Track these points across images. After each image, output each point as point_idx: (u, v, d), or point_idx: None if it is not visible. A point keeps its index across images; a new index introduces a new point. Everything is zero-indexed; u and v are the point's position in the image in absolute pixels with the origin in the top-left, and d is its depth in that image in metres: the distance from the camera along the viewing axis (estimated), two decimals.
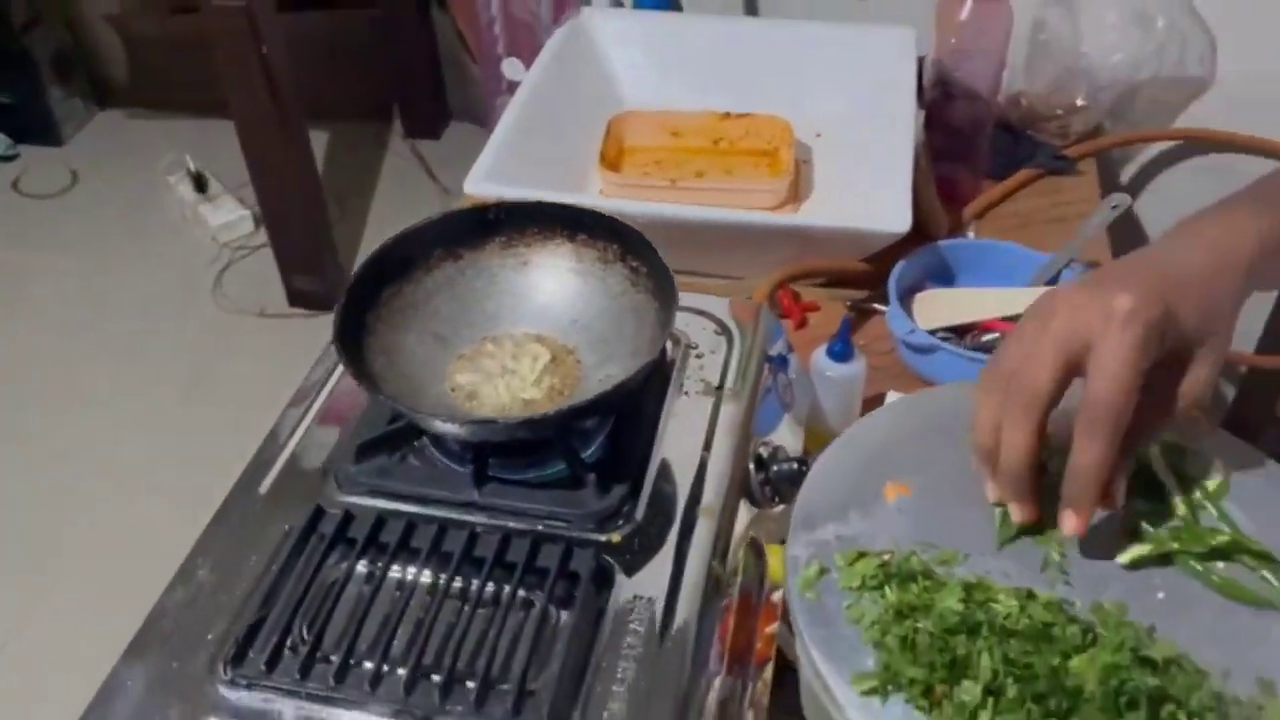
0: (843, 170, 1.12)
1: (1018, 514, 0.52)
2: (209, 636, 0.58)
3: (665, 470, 0.66)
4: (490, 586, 0.59)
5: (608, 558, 0.61)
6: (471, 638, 0.57)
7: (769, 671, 0.66)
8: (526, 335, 0.72)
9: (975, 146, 1.15)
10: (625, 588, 0.60)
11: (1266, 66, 1.25)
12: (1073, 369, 0.50)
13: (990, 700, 0.44)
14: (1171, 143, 1.33)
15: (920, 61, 1.15)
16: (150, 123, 2.95)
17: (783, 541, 0.60)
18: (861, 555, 0.52)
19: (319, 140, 2.66)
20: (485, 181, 0.99)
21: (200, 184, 2.57)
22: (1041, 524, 0.52)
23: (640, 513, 0.64)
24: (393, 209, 2.74)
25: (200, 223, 2.53)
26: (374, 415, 0.69)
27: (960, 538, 0.53)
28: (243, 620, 0.58)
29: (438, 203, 2.75)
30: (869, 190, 1.00)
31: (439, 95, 2.95)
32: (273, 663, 0.56)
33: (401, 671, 0.55)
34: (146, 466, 2.02)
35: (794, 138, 1.13)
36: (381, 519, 0.62)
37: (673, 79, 1.23)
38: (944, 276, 1.00)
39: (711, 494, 0.65)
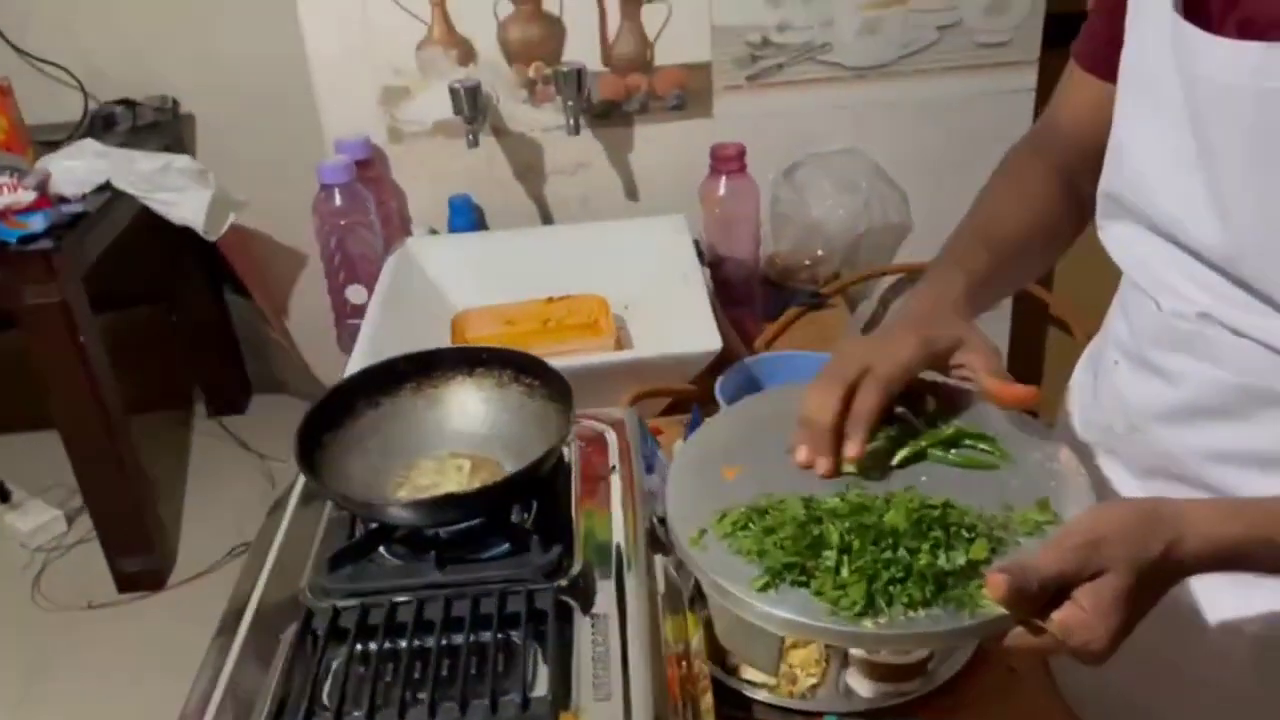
0: (654, 325, 1.35)
1: (822, 467, 0.70)
2: None
3: (588, 529, 0.81)
4: (474, 637, 0.71)
5: (564, 598, 0.75)
6: (473, 673, 0.69)
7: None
8: (449, 454, 0.87)
9: (751, 293, 1.43)
10: (584, 614, 0.74)
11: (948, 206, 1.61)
12: (866, 370, 0.70)
13: (844, 557, 0.62)
14: (894, 276, 1.67)
15: (696, 243, 1.42)
16: None
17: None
18: (724, 514, 0.69)
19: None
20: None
21: (3, 495, 2.51)
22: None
23: (577, 562, 0.78)
24: (211, 483, 2.76)
25: (9, 533, 2.45)
26: (332, 537, 0.81)
27: (785, 487, 0.71)
28: (268, 707, 0.67)
29: (257, 470, 2.78)
30: (680, 330, 1.23)
31: (240, 372, 3.05)
32: None
33: (422, 706, 0.66)
34: None
35: (610, 308, 1.36)
36: (366, 608, 0.73)
37: (494, 282, 1.44)
38: (755, 386, 1.23)
39: (625, 540, 0.80)
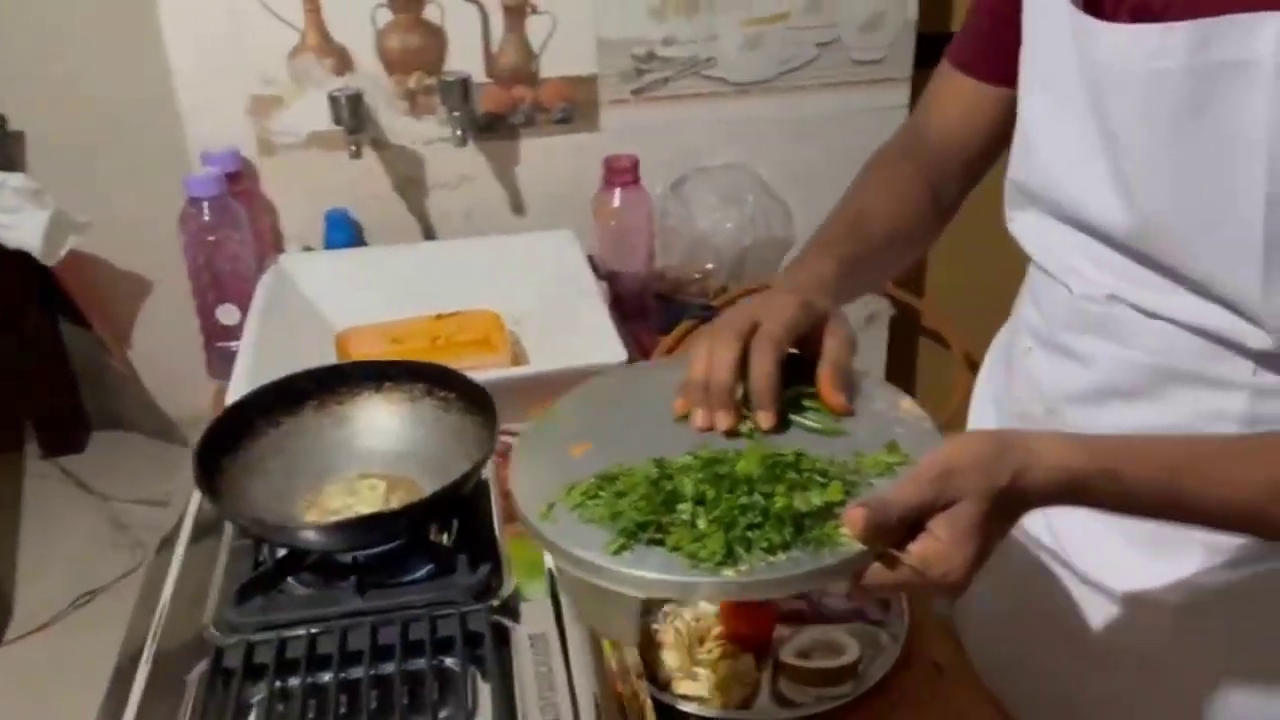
0: (550, 340, 1.31)
1: (723, 423, 0.66)
2: None
3: (515, 547, 0.77)
4: (406, 665, 0.66)
5: (498, 618, 0.71)
6: (408, 703, 0.64)
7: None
8: (359, 474, 0.82)
9: (645, 306, 1.41)
10: (521, 634, 0.70)
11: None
12: (754, 325, 0.68)
13: (699, 509, 0.59)
14: None
15: (591, 258, 1.40)
16: None
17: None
18: (573, 486, 0.64)
19: None
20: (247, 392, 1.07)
21: None
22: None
23: (508, 582, 0.74)
24: (47, 529, 2.54)
25: None
26: (235, 569, 0.75)
27: (635, 457, 0.66)
28: None
29: (97, 512, 2.59)
30: (581, 345, 1.20)
31: (77, 409, 2.83)
32: None
33: None
34: None
35: (504, 324, 1.32)
36: (283, 641, 0.68)
37: (375, 299, 1.37)
38: None
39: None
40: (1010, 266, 0.91)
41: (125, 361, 2.76)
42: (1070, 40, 0.70)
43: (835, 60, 1.55)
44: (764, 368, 0.66)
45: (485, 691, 0.66)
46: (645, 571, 0.58)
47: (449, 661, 0.68)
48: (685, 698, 0.83)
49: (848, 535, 0.57)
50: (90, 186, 2.25)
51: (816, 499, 0.60)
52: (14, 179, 2.08)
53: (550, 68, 1.47)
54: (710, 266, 1.56)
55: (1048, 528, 0.84)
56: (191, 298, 1.55)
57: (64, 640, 2.29)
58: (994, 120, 0.84)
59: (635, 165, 1.37)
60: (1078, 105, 0.70)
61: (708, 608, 0.91)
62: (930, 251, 1.92)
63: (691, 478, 0.62)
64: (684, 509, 0.60)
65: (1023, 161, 0.79)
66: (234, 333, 1.33)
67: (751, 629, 0.88)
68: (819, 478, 0.62)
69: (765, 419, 0.66)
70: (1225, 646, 0.78)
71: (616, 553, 0.59)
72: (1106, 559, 0.80)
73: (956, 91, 0.85)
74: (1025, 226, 0.81)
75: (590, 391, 0.77)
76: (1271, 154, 0.60)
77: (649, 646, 0.87)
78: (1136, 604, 0.80)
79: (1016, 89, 0.79)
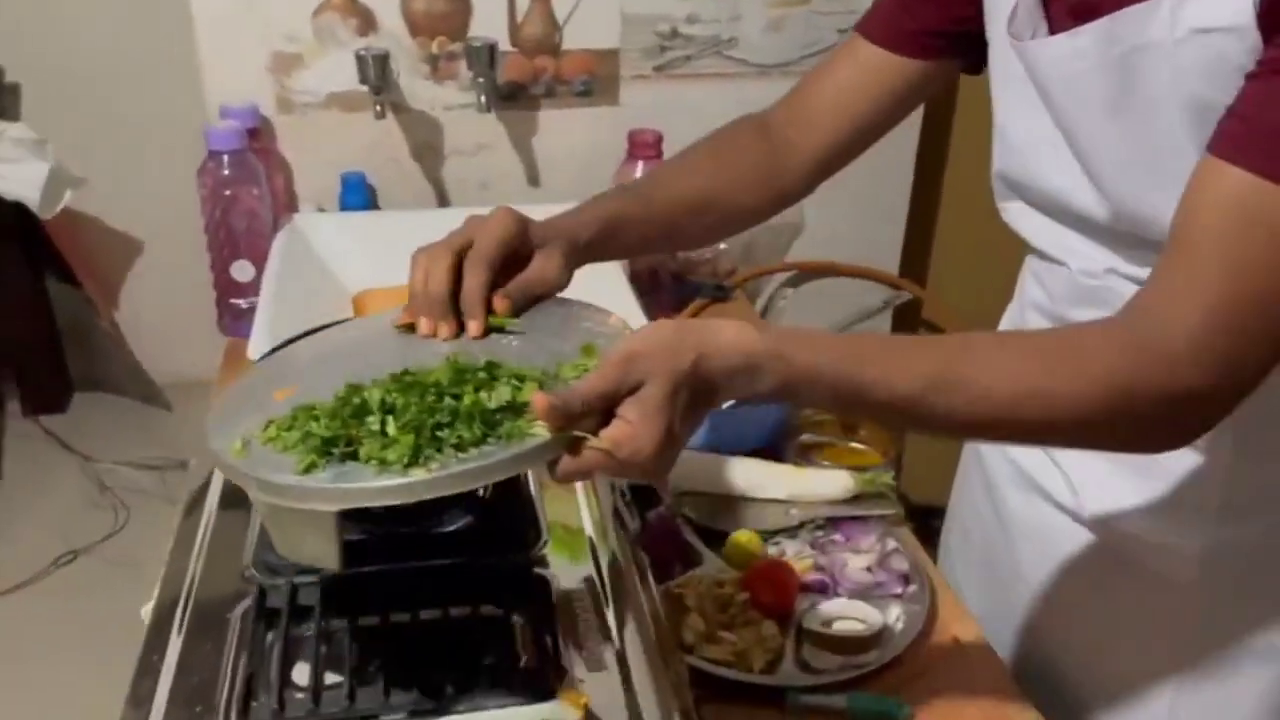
0: None
1: (444, 332, 0.68)
2: (196, 709, 0.60)
3: (550, 498, 0.78)
4: (451, 612, 0.67)
5: (539, 569, 0.71)
6: (459, 647, 0.64)
7: None
8: None
9: (660, 282, 1.42)
10: (560, 585, 0.70)
11: (837, 205, 1.66)
12: (469, 242, 0.71)
13: (389, 418, 0.58)
14: (786, 273, 1.70)
15: None
16: None
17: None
18: (270, 422, 0.62)
19: None
20: (266, 348, 1.06)
21: None
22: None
23: (546, 532, 0.74)
24: (28, 488, 2.50)
25: None
26: None
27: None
28: (233, 684, 0.60)
29: (79, 472, 2.55)
30: None
31: (60, 368, 2.79)
32: (281, 704, 0.59)
33: (407, 684, 0.61)
34: None
35: None
36: (329, 583, 0.68)
37: (389, 263, 1.36)
38: None
39: (590, 508, 0.77)
40: (1009, 257, 0.93)
41: (113, 323, 2.73)
42: (1016, 58, 0.74)
43: None
44: (474, 282, 0.69)
45: (528, 640, 0.66)
46: (332, 483, 0.56)
47: (491, 610, 0.68)
48: (711, 661, 0.83)
49: (541, 428, 0.57)
50: (85, 142, 2.23)
51: (506, 394, 0.59)
52: (14, 129, 2.05)
53: (573, 39, 1.47)
54: (723, 247, 1.57)
55: (1067, 485, 0.85)
56: (183, 261, 1.54)
57: (43, 600, 2.26)
58: (890, 89, 0.85)
59: (659, 140, 1.38)
60: (1037, 107, 0.74)
61: (730, 575, 0.92)
62: (933, 242, 1.95)
63: (380, 388, 0.61)
64: (373, 420, 0.59)
65: (1002, 155, 0.82)
66: (247, 289, 1.32)
67: (774, 597, 0.89)
68: (515, 381, 0.61)
69: (473, 328, 0.69)
70: (1248, 608, 0.80)
71: (305, 471, 0.57)
72: (1129, 514, 0.81)
73: (855, 58, 0.87)
74: (1016, 214, 0.83)
75: (299, 346, 0.77)
76: (1189, 115, 0.63)
77: (673, 610, 0.88)
78: (1159, 556, 0.81)
79: (920, 62, 0.83)
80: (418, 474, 0.56)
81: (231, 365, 1.27)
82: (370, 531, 0.72)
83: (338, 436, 0.58)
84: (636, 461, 0.57)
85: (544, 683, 0.62)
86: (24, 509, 2.54)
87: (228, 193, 1.30)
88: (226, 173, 1.29)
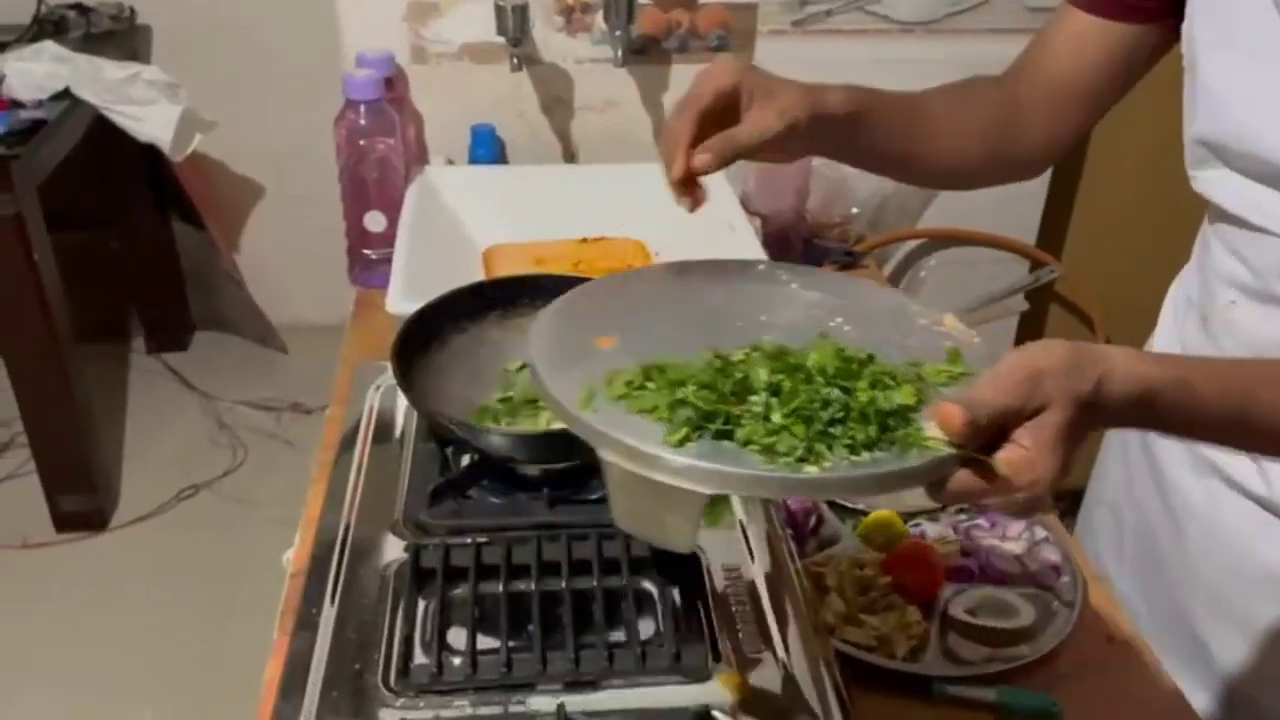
0: None
1: (677, 170, 0.67)
2: (355, 667, 0.59)
3: None
4: (607, 581, 0.65)
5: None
6: (610, 619, 0.63)
7: None
8: None
9: (792, 246, 1.38)
10: (711, 561, 0.68)
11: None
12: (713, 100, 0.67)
13: (774, 400, 0.54)
14: (917, 240, 1.64)
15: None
16: None
17: None
18: (613, 377, 0.57)
19: None
20: (403, 301, 1.06)
21: None
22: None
23: None
24: (152, 423, 2.61)
25: None
26: (421, 473, 0.74)
27: (665, 351, 0.59)
28: (390, 644, 0.60)
29: (200, 410, 2.64)
30: None
31: (183, 308, 2.89)
32: (440, 668, 0.58)
33: (564, 652, 0.59)
34: None
35: (649, 252, 1.29)
36: (479, 546, 0.67)
37: (518, 219, 1.35)
38: None
39: None
40: (1160, 229, 0.86)
41: (233, 265, 2.80)
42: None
43: (1009, 5, 1.48)
44: (673, 122, 0.68)
45: (681, 616, 0.64)
46: (717, 464, 0.52)
47: (644, 581, 0.66)
48: (852, 644, 0.81)
49: (932, 438, 0.53)
50: (214, 86, 2.27)
51: (899, 397, 0.55)
52: (148, 71, 2.10)
53: None
54: (855, 211, 1.52)
55: (1260, 474, 0.80)
56: (305, 208, 1.55)
57: (165, 532, 2.36)
58: (1108, 55, 0.80)
59: None
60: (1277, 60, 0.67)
61: (870, 556, 0.89)
62: (1072, 222, 1.86)
63: (765, 367, 0.57)
64: (757, 400, 0.54)
65: (1211, 120, 0.75)
66: (378, 240, 1.32)
67: (919, 582, 0.86)
68: (889, 379, 0.57)
69: (675, 169, 0.67)
70: None
71: (680, 443, 0.53)
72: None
73: (1069, 28, 0.81)
74: (1218, 183, 0.77)
75: (605, 288, 0.71)
76: None
77: (813, 589, 0.85)
78: None
79: (1134, 26, 0.78)
80: (811, 471, 0.52)
81: (363, 316, 1.27)
82: (514, 490, 0.71)
83: (716, 411, 0.54)
84: (1032, 493, 0.52)
85: (700, 661, 0.60)
86: (148, 443, 2.65)
87: (363, 143, 1.30)
88: (363, 122, 1.28)
